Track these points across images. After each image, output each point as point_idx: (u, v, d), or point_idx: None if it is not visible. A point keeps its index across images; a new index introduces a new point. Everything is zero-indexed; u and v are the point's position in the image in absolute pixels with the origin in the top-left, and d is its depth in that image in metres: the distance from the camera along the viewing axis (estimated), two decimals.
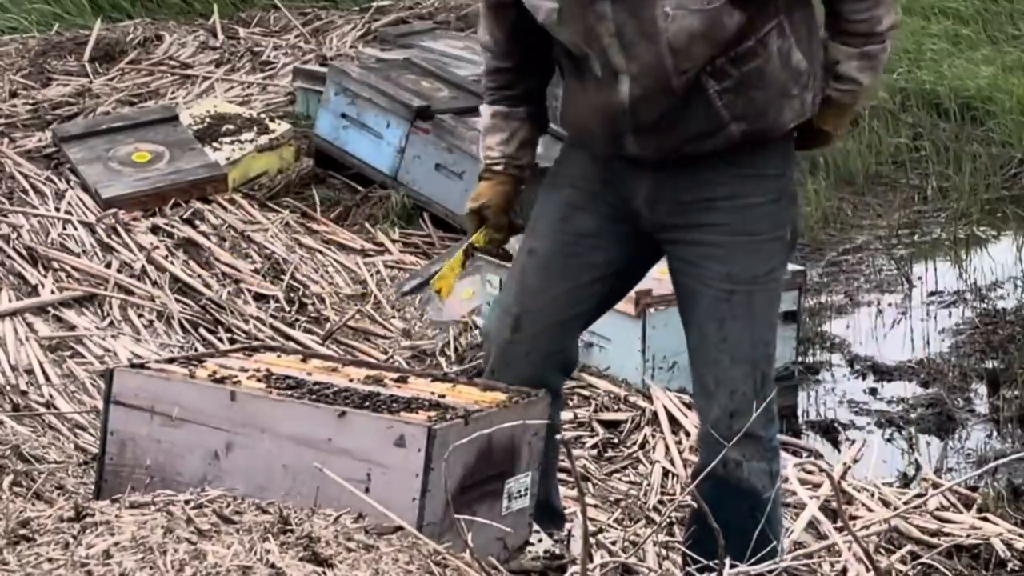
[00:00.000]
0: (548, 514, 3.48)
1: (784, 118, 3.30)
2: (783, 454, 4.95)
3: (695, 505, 2.78)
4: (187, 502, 2.78)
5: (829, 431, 5.78)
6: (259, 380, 3.06)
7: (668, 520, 4.10)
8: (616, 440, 5.01)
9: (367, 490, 2.80)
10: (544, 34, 3.29)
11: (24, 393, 4.77)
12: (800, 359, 5.93)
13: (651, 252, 3.44)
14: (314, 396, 2.97)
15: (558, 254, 3.43)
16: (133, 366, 3.16)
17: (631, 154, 3.29)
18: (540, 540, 3.33)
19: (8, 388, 4.75)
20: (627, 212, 3.37)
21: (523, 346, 3.40)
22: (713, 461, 3.35)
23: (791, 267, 5.85)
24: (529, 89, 3.48)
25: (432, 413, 2.92)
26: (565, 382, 3.57)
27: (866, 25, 3.27)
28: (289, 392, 2.99)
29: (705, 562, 3.07)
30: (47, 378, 4.91)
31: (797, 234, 3.44)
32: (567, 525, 3.79)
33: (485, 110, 3.51)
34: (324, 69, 7.35)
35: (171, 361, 3.17)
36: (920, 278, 7.33)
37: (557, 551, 3.36)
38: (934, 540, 4.28)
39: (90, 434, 4.45)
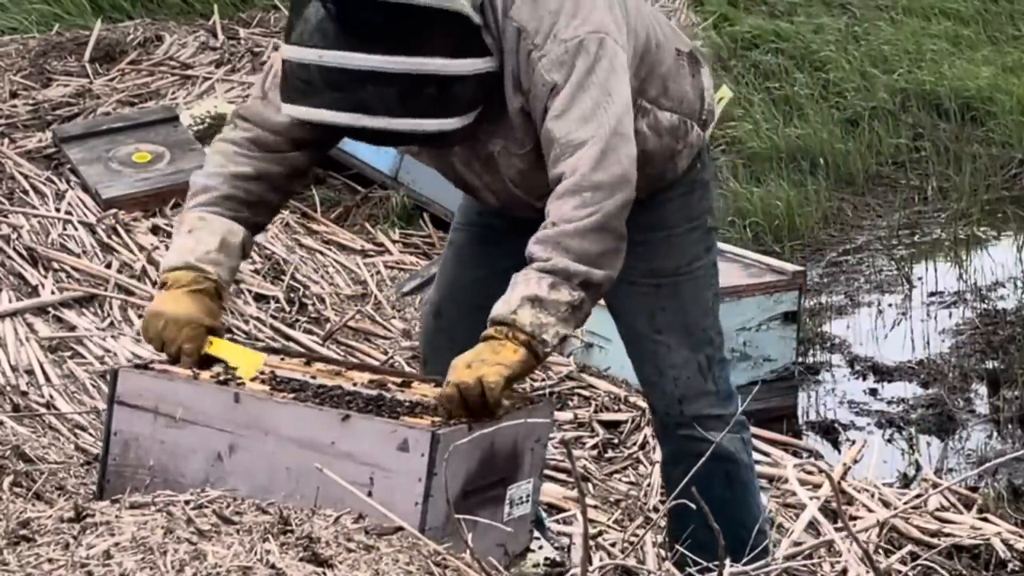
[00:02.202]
0: None
1: (679, 167, 3.40)
2: (782, 454, 4.98)
3: (685, 502, 2.78)
4: (187, 502, 2.78)
5: (829, 431, 5.80)
6: (263, 382, 3.06)
7: (666, 519, 4.09)
8: (616, 440, 5.02)
9: (370, 494, 2.80)
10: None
11: (24, 393, 4.77)
12: (800, 359, 5.94)
13: None
14: (318, 399, 2.97)
15: (473, 242, 3.53)
16: (137, 367, 3.16)
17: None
18: (541, 547, 3.33)
19: (8, 388, 4.75)
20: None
21: (446, 333, 3.48)
22: (675, 448, 3.43)
23: (791, 267, 5.87)
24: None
25: (436, 418, 2.92)
26: None
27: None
28: (293, 395, 2.99)
29: (704, 563, 3.08)
30: (47, 378, 4.91)
31: (715, 220, 3.52)
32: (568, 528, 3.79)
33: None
34: None
35: (175, 362, 3.17)
36: (920, 279, 7.34)
37: (558, 558, 3.36)
38: (934, 540, 4.28)
39: (90, 435, 4.45)
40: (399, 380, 3.18)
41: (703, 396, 3.43)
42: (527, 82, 3.08)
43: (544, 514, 3.92)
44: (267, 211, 3.28)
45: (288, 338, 5.50)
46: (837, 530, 3.59)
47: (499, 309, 2.99)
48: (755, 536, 3.37)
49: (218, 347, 3.18)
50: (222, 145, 3.24)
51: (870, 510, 4.44)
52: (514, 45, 3.07)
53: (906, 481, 5.26)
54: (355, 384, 3.10)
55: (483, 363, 2.92)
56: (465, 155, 3.26)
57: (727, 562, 2.72)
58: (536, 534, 3.28)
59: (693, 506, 2.67)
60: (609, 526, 4.33)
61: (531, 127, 3.13)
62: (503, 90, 3.10)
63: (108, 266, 5.75)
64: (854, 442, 5.40)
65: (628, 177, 3.06)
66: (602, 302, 3.49)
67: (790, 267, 5.89)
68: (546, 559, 3.32)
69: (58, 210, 6.11)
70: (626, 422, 5.12)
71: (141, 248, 5.89)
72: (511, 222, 3.36)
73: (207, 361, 3.16)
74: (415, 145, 3.24)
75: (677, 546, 3.26)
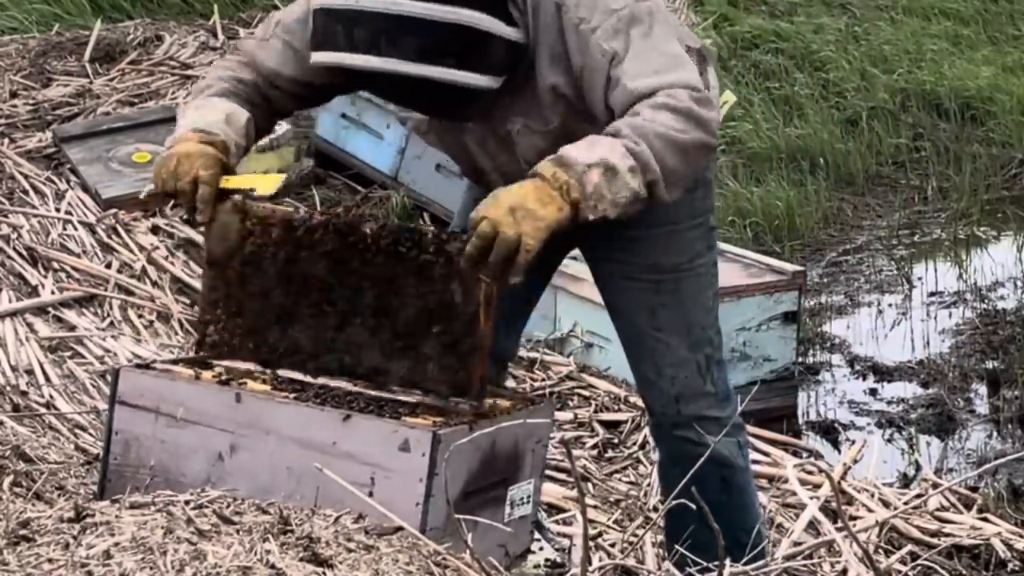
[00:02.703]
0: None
1: None
2: (782, 454, 4.98)
3: (683, 502, 2.79)
4: (187, 502, 2.78)
5: (829, 431, 5.80)
6: (264, 382, 3.07)
7: (664, 520, 4.10)
8: (616, 440, 5.02)
9: (371, 494, 2.80)
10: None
11: (24, 393, 4.77)
12: (800, 359, 5.94)
13: (565, 241, 3.43)
14: (319, 399, 2.97)
15: None
16: (139, 366, 3.16)
17: None
18: (541, 548, 3.33)
19: (8, 388, 4.75)
20: None
21: None
22: (672, 449, 3.42)
23: (791, 267, 5.87)
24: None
25: (437, 418, 2.92)
26: (504, 375, 3.58)
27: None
28: (294, 395, 3.00)
29: (704, 563, 3.08)
30: (47, 378, 4.91)
31: (716, 219, 3.51)
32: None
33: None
34: None
35: (177, 362, 3.17)
36: (920, 279, 7.34)
37: (558, 559, 3.36)
38: (934, 540, 4.29)
39: (90, 434, 4.46)
40: None
41: (701, 397, 3.42)
42: (581, 57, 3.07)
43: (543, 514, 3.92)
44: (264, 120, 3.31)
45: None
46: (837, 530, 3.59)
47: (571, 154, 2.93)
48: (753, 537, 3.36)
49: (233, 180, 3.14)
50: (225, 61, 3.31)
51: (870, 510, 4.45)
52: (553, 21, 3.08)
53: (906, 481, 5.26)
54: (356, 384, 3.11)
55: (527, 215, 2.87)
56: (480, 133, 3.25)
57: (727, 562, 2.72)
58: (536, 535, 3.29)
59: (693, 506, 2.67)
60: (609, 526, 4.33)
61: (561, 105, 3.13)
62: (533, 67, 3.10)
63: (108, 266, 5.75)
64: (854, 442, 5.40)
65: (716, 127, 3.06)
66: (600, 301, 3.49)
67: (790, 267, 5.90)
68: (546, 560, 3.32)
69: (58, 210, 6.11)
70: (626, 422, 5.12)
71: (141, 248, 5.89)
72: None
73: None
74: (435, 108, 3.19)
75: (676, 546, 3.26)
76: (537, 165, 2.95)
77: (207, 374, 3.08)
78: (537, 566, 3.28)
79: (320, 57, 3.08)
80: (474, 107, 3.13)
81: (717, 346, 3.46)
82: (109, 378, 3.49)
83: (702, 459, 3.12)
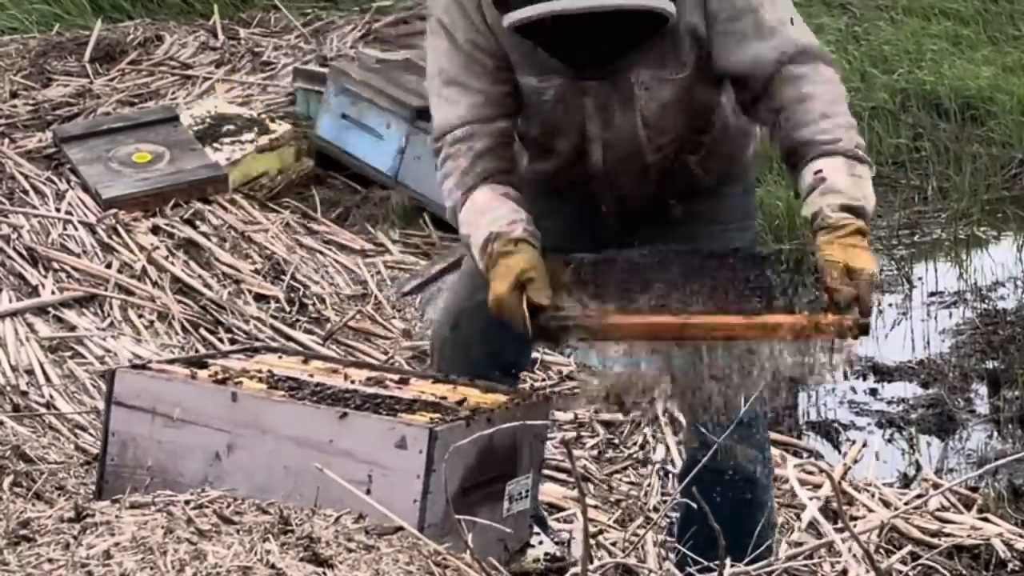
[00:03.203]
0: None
1: (748, 153, 3.44)
2: (783, 454, 4.98)
3: (689, 503, 2.78)
4: (187, 502, 2.79)
5: (829, 431, 5.79)
6: (261, 381, 3.07)
7: (668, 519, 4.10)
8: (616, 441, 5.02)
9: (368, 491, 2.80)
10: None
11: (24, 393, 4.77)
12: None
13: (616, 239, 3.43)
14: (316, 397, 2.97)
15: None
16: (135, 367, 3.16)
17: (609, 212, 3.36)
18: (540, 542, 3.33)
19: (8, 388, 4.76)
20: (588, 216, 3.40)
21: (462, 344, 3.45)
22: (703, 452, 3.38)
23: None
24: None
25: (434, 415, 2.92)
26: (514, 384, 3.56)
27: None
28: (291, 393, 3.00)
29: (705, 563, 3.08)
30: (47, 378, 4.91)
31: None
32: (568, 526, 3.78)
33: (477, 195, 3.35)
34: (324, 69, 7.35)
35: (172, 362, 3.17)
36: (920, 278, 7.33)
37: (558, 553, 3.36)
38: (934, 540, 4.28)
39: (90, 434, 4.46)
40: (397, 377, 3.18)
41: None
42: (718, 3, 3.12)
43: (544, 513, 3.92)
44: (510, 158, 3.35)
45: (288, 338, 5.50)
46: (837, 530, 3.59)
47: (865, 207, 3.01)
48: (757, 535, 3.34)
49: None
50: (446, 162, 3.43)
51: (870, 510, 4.44)
52: None
53: (906, 481, 5.25)
54: (353, 382, 3.11)
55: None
56: (604, 93, 3.23)
57: (727, 562, 2.72)
58: (536, 529, 3.29)
59: (694, 506, 2.66)
60: (609, 526, 4.33)
61: (696, 49, 3.15)
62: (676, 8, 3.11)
63: (108, 266, 5.75)
64: (854, 442, 5.39)
65: None
66: None
67: None
68: (546, 554, 3.32)
69: (58, 210, 6.11)
70: (626, 422, 5.11)
71: (141, 248, 5.89)
72: (563, 227, 3.34)
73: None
74: (607, 49, 3.15)
75: (679, 546, 3.25)
76: (850, 217, 2.98)
77: (203, 373, 3.08)
78: (536, 560, 3.29)
79: (517, 16, 3.02)
80: (635, 52, 3.13)
81: None
82: (105, 379, 3.49)
83: (726, 472, 3.11)
